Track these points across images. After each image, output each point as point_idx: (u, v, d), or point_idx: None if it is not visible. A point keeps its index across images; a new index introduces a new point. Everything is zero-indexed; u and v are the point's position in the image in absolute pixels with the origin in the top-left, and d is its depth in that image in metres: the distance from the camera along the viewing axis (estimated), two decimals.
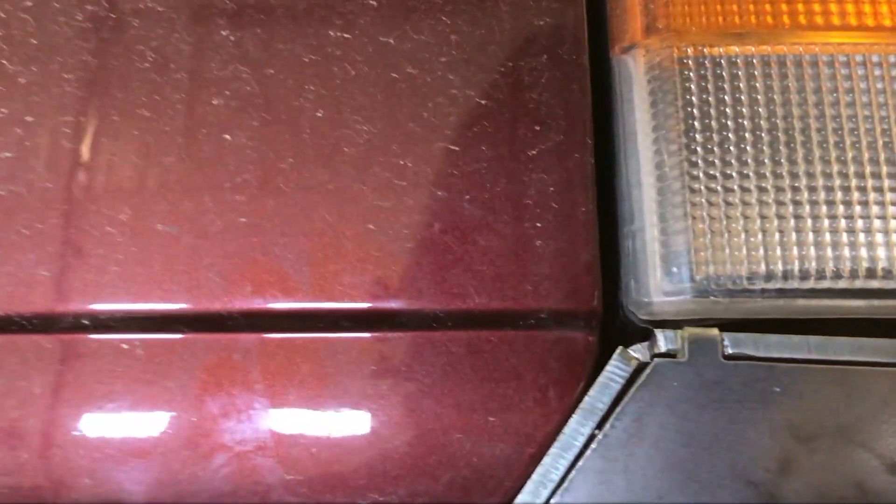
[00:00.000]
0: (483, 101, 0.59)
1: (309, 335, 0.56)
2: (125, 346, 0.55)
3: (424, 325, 0.55)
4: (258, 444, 0.53)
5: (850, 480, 0.48)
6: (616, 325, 0.59)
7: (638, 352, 0.54)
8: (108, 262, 0.56)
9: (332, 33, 0.61)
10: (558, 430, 0.52)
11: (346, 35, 0.61)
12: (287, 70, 0.60)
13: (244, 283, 0.56)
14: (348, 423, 0.54)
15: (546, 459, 0.51)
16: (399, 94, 0.60)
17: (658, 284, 0.56)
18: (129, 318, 0.56)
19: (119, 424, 0.54)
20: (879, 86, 0.59)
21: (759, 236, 0.56)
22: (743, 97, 0.59)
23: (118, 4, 0.62)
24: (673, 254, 0.56)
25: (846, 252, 0.56)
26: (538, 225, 0.57)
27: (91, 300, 0.56)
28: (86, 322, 0.56)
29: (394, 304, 0.55)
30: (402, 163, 0.58)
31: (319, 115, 0.59)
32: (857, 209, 0.56)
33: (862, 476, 0.48)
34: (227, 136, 0.59)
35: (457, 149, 0.58)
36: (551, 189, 0.58)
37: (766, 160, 0.57)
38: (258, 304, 0.56)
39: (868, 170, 0.57)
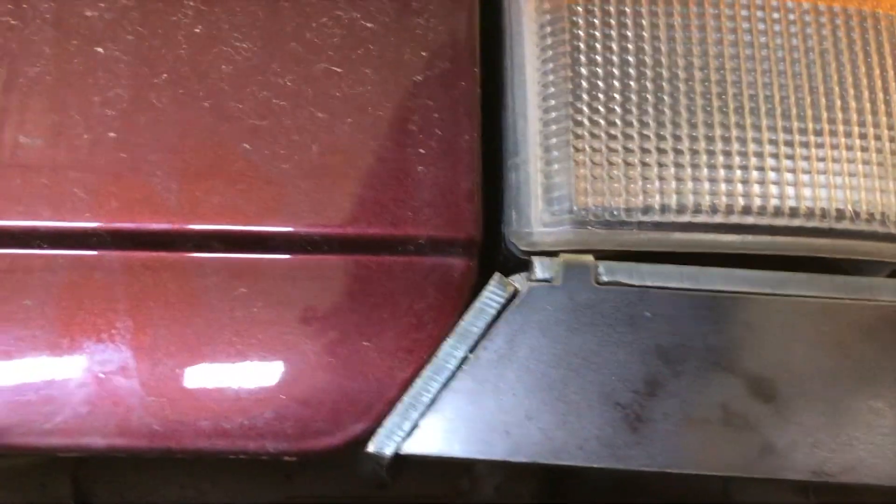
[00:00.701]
0: (369, 24, 0.58)
1: (177, 255, 0.53)
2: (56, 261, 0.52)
3: (299, 248, 0.54)
4: (119, 365, 0.51)
5: (715, 401, 0.49)
6: (499, 257, 0.58)
7: (515, 280, 0.53)
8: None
9: None
10: (433, 354, 0.52)
11: None
12: None
13: (110, 199, 0.53)
14: (215, 346, 0.52)
15: (418, 381, 0.50)
16: (281, 13, 0.58)
17: (538, 215, 0.56)
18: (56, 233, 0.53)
19: None
20: (761, 26, 0.60)
21: (639, 170, 0.56)
22: (629, 34, 0.59)
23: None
24: (554, 185, 0.56)
25: (722, 187, 0.56)
26: (421, 151, 0.56)
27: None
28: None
29: (267, 226, 0.54)
30: (281, 82, 0.56)
31: (197, 30, 0.57)
32: (735, 146, 0.57)
33: (726, 398, 0.49)
34: (100, 49, 0.56)
35: (339, 70, 0.57)
36: (435, 116, 0.57)
37: (648, 97, 0.58)
38: (124, 221, 0.53)
39: (747, 107, 0.58)
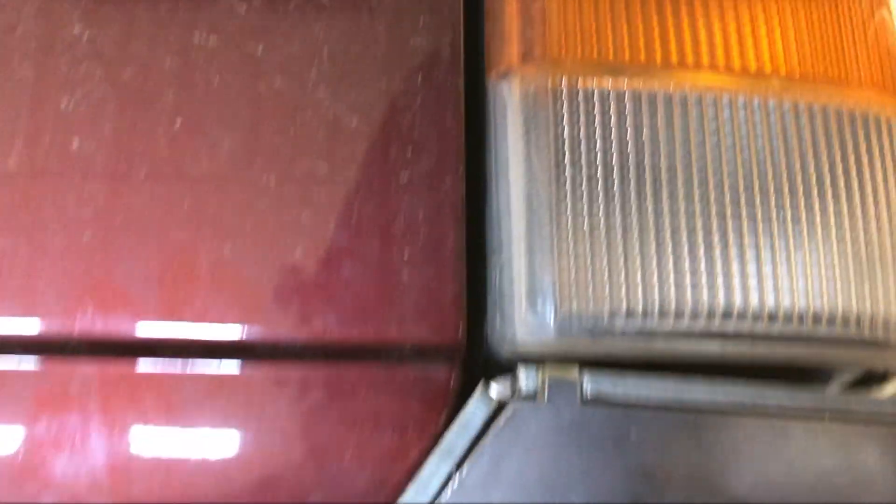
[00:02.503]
0: (354, 121, 0.57)
1: (154, 363, 0.52)
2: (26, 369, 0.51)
3: (280, 356, 0.53)
4: (91, 483, 0.50)
5: None
6: (482, 356, 0.58)
7: (499, 389, 0.53)
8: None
9: (196, 38, 0.57)
10: (416, 468, 0.51)
11: (211, 41, 0.57)
12: (145, 74, 0.56)
13: (85, 305, 0.52)
14: (192, 460, 0.51)
15: (402, 500, 0.50)
16: (265, 108, 0.57)
17: (522, 319, 0.56)
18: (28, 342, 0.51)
19: None
20: (744, 128, 0.61)
21: (622, 275, 0.56)
22: (614, 131, 0.59)
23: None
24: (537, 289, 0.56)
25: (704, 294, 0.57)
26: (405, 254, 0.55)
27: None
28: None
29: (248, 334, 0.53)
30: (264, 181, 0.55)
31: (177, 125, 0.56)
32: (717, 251, 0.58)
33: None
34: (76, 144, 0.55)
35: (324, 169, 0.56)
36: (420, 216, 0.56)
37: (632, 197, 0.58)
38: (99, 328, 0.52)
39: (729, 211, 0.59)
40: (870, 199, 0.62)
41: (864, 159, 0.63)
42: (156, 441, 0.51)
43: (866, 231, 0.61)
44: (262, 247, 0.54)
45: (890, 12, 0.73)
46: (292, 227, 0.54)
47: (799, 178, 0.61)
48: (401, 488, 0.50)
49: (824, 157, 0.62)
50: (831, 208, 0.60)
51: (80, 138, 0.55)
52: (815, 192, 0.60)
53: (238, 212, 0.54)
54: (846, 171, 0.62)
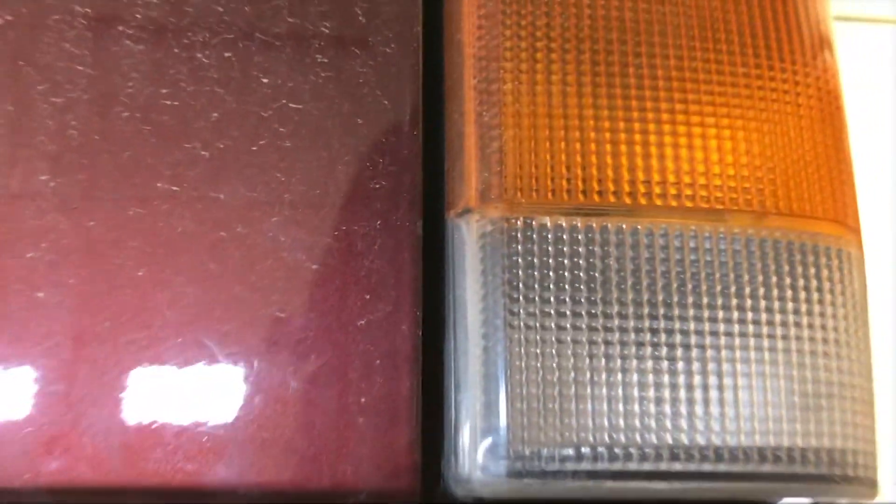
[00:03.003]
0: (314, 266, 0.59)
1: None
2: None
3: (239, 502, 0.55)
4: None
5: None
6: (438, 498, 0.60)
7: None
8: None
9: (159, 185, 0.59)
10: None
11: (173, 188, 0.59)
12: (109, 223, 0.58)
13: (50, 459, 0.53)
14: None
15: None
16: (226, 255, 0.58)
17: (476, 462, 0.58)
18: None
19: None
20: (695, 263, 0.63)
21: (573, 418, 0.58)
22: (568, 268, 0.61)
23: None
24: (491, 432, 0.58)
25: (653, 435, 0.59)
26: (362, 400, 0.57)
27: None
28: None
29: (207, 482, 0.54)
30: (225, 329, 0.57)
31: (140, 273, 0.57)
32: (666, 392, 0.60)
33: None
34: (41, 294, 0.56)
35: (283, 315, 0.58)
36: (377, 362, 0.58)
37: (584, 338, 0.60)
38: (65, 480, 0.53)
39: (679, 353, 0.60)
40: (818, 335, 0.64)
41: (815, 293, 0.65)
42: None
43: (813, 367, 0.63)
44: (221, 398, 0.56)
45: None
46: (251, 377, 0.56)
47: (750, 317, 0.63)
48: None
49: (775, 291, 0.64)
50: (780, 346, 0.62)
51: (46, 289, 0.56)
52: (764, 330, 0.62)
53: (198, 362, 0.56)
54: (797, 306, 0.64)
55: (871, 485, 0.63)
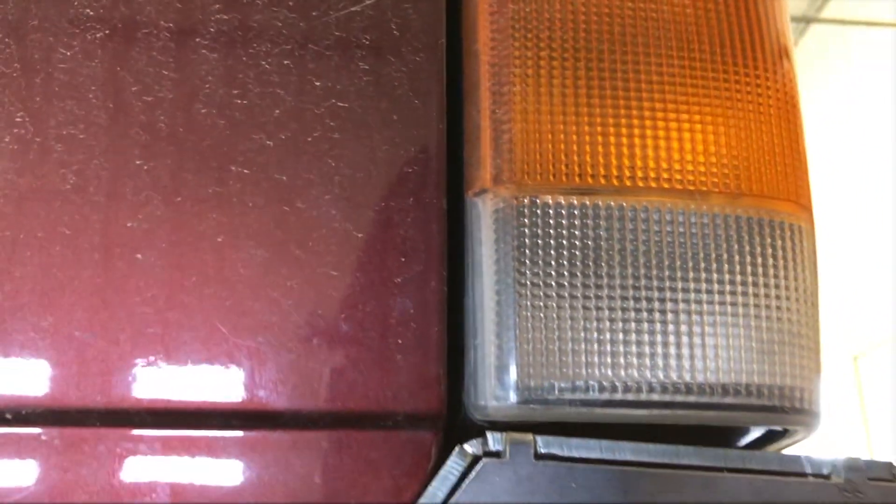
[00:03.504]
0: (359, 234, 0.72)
1: (203, 431, 0.67)
2: (44, 438, 0.65)
3: (300, 424, 0.68)
4: None
5: None
6: (460, 422, 0.73)
7: (472, 448, 0.68)
8: (32, 364, 0.66)
9: (233, 168, 0.72)
10: None
11: (245, 171, 0.72)
12: (193, 199, 0.71)
13: (149, 384, 0.67)
14: None
15: None
16: (289, 225, 0.72)
17: (492, 392, 0.71)
18: (48, 412, 0.66)
19: None
20: (678, 236, 0.76)
21: (571, 357, 0.71)
22: (568, 239, 0.74)
23: (43, 129, 0.72)
24: (504, 368, 0.71)
25: (635, 372, 0.72)
26: (399, 342, 0.70)
27: (14, 397, 0.66)
28: (8, 416, 0.65)
29: (274, 406, 0.68)
30: (288, 284, 0.70)
31: (219, 240, 0.71)
32: (646, 337, 0.73)
33: None
34: (139, 256, 0.70)
35: (336, 274, 0.71)
36: (411, 311, 0.71)
37: (580, 294, 0.73)
38: (160, 403, 0.67)
39: (657, 306, 0.74)
40: (774, 293, 0.77)
41: (769, 259, 0.78)
42: (209, 497, 0.66)
43: (769, 319, 0.76)
44: (287, 338, 0.69)
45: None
46: (311, 322, 0.70)
47: (715, 277, 0.76)
48: None
49: (736, 257, 0.77)
50: (743, 302, 0.76)
51: (143, 251, 0.70)
52: (726, 287, 0.76)
53: (268, 309, 0.69)
54: (755, 269, 0.77)
55: (814, 415, 0.76)
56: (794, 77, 0.87)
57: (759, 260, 0.77)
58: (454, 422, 0.73)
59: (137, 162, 0.72)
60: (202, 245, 0.70)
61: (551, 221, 0.75)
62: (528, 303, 0.73)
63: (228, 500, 0.66)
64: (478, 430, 0.71)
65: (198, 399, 0.67)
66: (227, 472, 0.66)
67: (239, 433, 0.67)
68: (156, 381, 0.67)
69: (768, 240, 0.78)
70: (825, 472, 0.68)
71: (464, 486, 0.65)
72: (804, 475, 0.68)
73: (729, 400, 0.73)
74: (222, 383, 0.68)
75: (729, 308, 0.75)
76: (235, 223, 0.71)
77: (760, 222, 0.79)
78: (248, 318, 0.69)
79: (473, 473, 0.65)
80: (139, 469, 0.66)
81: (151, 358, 0.68)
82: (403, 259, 0.72)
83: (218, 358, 0.68)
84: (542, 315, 0.72)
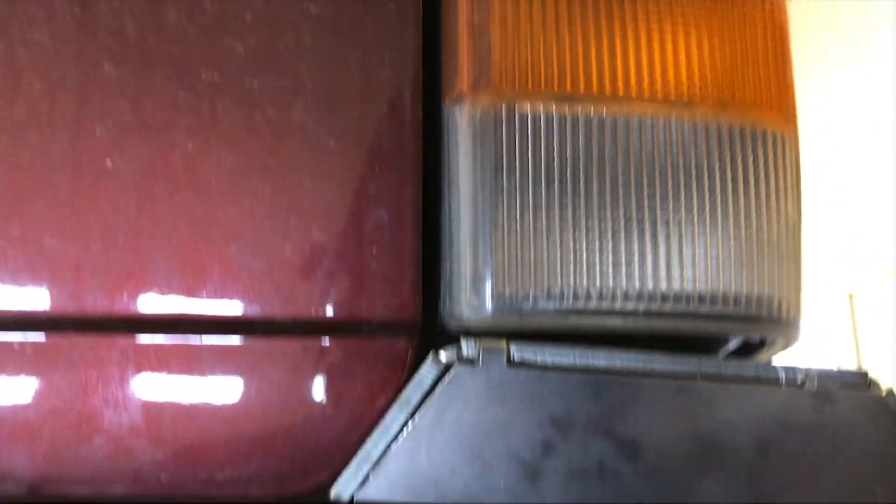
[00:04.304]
0: (334, 143, 0.71)
1: (176, 338, 0.67)
2: (16, 347, 0.65)
3: (273, 332, 0.68)
4: (132, 430, 0.65)
5: (594, 460, 0.64)
6: (437, 330, 0.73)
7: (446, 354, 0.68)
8: (1, 272, 0.66)
9: (203, 75, 0.71)
10: (381, 416, 0.66)
11: (215, 77, 0.71)
12: (162, 106, 0.70)
13: (119, 292, 0.66)
14: (209, 413, 0.66)
15: (367, 443, 0.65)
16: (260, 133, 0.70)
17: (467, 301, 0.71)
18: (21, 319, 0.66)
19: (10, 412, 0.65)
20: (656, 146, 0.74)
21: (546, 266, 0.71)
22: (545, 148, 0.73)
23: (8, 35, 0.70)
24: (479, 278, 0.71)
25: (610, 280, 0.71)
26: (373, 250, 0.70)
27: None
28: None
29: (251, 312, 0.67)
30: (262, 191, 0.69)
31: (189, 147, 0.69)
32: (622, 245, 0.72)
33: (602, 457, 0.64)
34: (109, 162, 0.69)
35: (308, 182, 0.70)
36: (386, 220, 0.70)
37: (556, 203, 0.72)
38: (133, 309, 0.67)
39: (634, 214, 0.73)
40: (752, 203, 0.76)
41: (752, 169, 0.77)
42: (177, 398, 0.66)
43: (750, 228, 0.75)
44: (261, 245, 0.68)
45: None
46: (285, 230, 0.69)
47: (695, 188, 0.75)
48: (369, 431, 0.65)
49: (718, 168, 0.76)
50: (719, 209, 0.75)
51: (113, 158, 0.69)
52: (707, 197, 0.75)
53: (241, 216, 0.69)
54: (736, 179, 0.76)
55: (792, 326, 0.76)
56: None
57: (741, 170, 0.76)
58: (431, 332, 0.73)
59: (106, 68, 0.70)
60: (172, 152, 0.69)
61: (530, 130, 0.73)
62: (505, 212, 0.72)
63: (200, 408, 0.66)
64: (453, 340, 0.71)
65: (168, 307, 0.67)
66: (198, 381, 0.67)
67: (210, 341, 0.67)
68: (125, 288, 0.67)
69: (751, 149, 0.77)
70: (799, 379, 0.68)
71: (436, 392, 0.65)
72: (778, 383, 0.68)
73: (705, 309, 0.73)
74: (192, 291, 0.67)
75: (709, 218, 0.74)
76: (206, 130, 0.70)
77: (743, 132, 0.77)
78: (219, 226, 0.68)
79: (447, 380, 0.65)
80: (108, 376, 0.66)
81: (121, 265, 0.67)
82: (378, 168, 0.71)
83: (188, 266, 0.67)
84: (518, 225, 0.72)
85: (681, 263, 0.73)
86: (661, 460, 0.65)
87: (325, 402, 0.67)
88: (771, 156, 0.78)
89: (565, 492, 0.64)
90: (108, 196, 0.68)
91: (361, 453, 0.64)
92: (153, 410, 0.66)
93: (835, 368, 0.69)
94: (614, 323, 0.71)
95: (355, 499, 0.63)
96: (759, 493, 0.65)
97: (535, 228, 0.72)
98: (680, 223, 0.73)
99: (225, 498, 0.64)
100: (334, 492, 0.64)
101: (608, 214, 0.72)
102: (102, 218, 0.68)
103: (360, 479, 0.63)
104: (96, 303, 0.66)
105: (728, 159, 0.76)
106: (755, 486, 0.65)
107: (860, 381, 0.68)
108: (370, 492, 0.63)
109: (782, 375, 0.69)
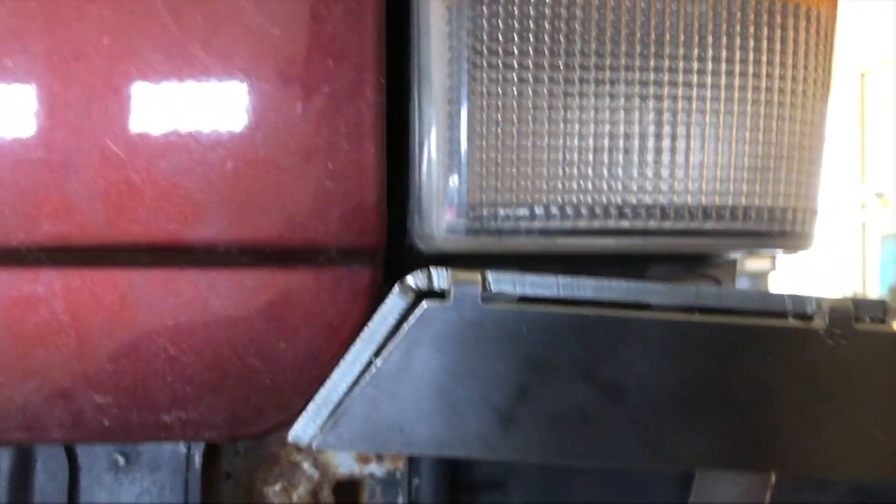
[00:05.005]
0: (276, 31, 0.59)
1: (107, 269, 0.59)
2: None
3: (217, 261, 0.60)
4: (67, 372, 0.59)
5: (573, 403, 0.59)
6: (406, 250, 0.65)
7: (414, 281, 0.60)
8: None
9: None
10: (343, 354, 0.60)
11: None
12: None
13: (41, 219, 0.58)
14: (150, 351, 0.60)
15: (329, 382, 0.59)
16: (191, 21, 0.58)
17: (439, 221, 0.62)
18: None
19: None
20: (662, 19, 0.62)
21: (528, 178, 0.61)
22: (529, 20, 0.61)
23: None
24: (452, 192, 0.61)
25: (602, 194, 0.62)
26: (329, 166, 0.60)
27: None
28: None
29: (188, 240, 0.59)
30: (191, 96, 0.58)
31: (105, 42, 0.58)
32: (620, 155, 0.62)
33: (582, 401, 0.59)
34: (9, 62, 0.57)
35: (249, 82, 0.59)
36: (343, 129, 0.60)
37: (543, 98, 0.61)
38: (55, 239, 0.58)
39: (635, 105, 0.62)
40: (777, 96, 0.65)
41: (779, 47, 0.65)
42: (115, 334, 0.59)
43: (768, 129, 0.65)
44: (196, 159, 0.58)
45: None
46: (219, 139, 0.59)
47: (710, 65, 0.63)
48: (329, 369, 0.59)
49: (738, 43, 0.63)
50: (740, 103, 0.64)
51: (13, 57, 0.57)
52: (724, 80, 0.63)
53: (170, 126, 0.58)
54: (759, 59, 0.64)
55: (805, 237, 0.68)
56: None
57: (764, 47, 0.64)
58: (399, 258, 0.65)
59: None
60: (86, 54, 0.58)
61: (512, 11, 0.61)
62: (483, 115, 0.61)
63: (140, 347, 0.59)
64: (426, 263, 0.63)
65: (95, 234, 0.58)
66: (136, 317, 0.59)
67: (149, 270, 0.59)
68: (49, 214, 0.58)
69: (779, 23, 0.65)
70: (808, 311, 0.61)
71: (403, 331, 0.58)
72: (784, 315, 0.61)
73: (709, 226, 0.64)
74: (121, 214, 0.58)
75: (724, 111, 0.63)
76: (127, 25, 0.58)
77: (772, 5, 0.64)
78: (145, 139, 0.58)
79: (414, 319, 0.58)
80: (37, 314, 0.59)
81: (45, 190, 0.58)
82: (331, 63, 0.60)
83: (114, 186, 0.58)
84: (497, 130, 0.61)
85: (686, 172, 0.63)
86: (647, 404, 0.59)
87: (278, 338, 0.60)
88: (803, 34, 0.66)
89: (541, 439, 0.59)
90: (24, 104, 0.57)
91: (321, 395, 0.59)
92: (89, 350, 0.59)
93: (848, 298, 0.61)
94: (606, 244, 0.63)
95: (314, 444, 0.58)
96: (757, 441, 0.60)
97: (518, 133, 0.61)
98: (689, 111, 0.62)
99: (171, 440, 0.60)
100: (292, 435, 0.59)
101: (605, 104, 0.61)
102: (28, 136, 0.57)
103: (319, 423, 0.58)
104: (19, 232, 0.58)
105: (748, 31, 0.63)
106: (750, 434, 0.60)
107: (878, 312, 0.61)
108: (330, 438, 0.58)
109: (789, 306, 0.61)
